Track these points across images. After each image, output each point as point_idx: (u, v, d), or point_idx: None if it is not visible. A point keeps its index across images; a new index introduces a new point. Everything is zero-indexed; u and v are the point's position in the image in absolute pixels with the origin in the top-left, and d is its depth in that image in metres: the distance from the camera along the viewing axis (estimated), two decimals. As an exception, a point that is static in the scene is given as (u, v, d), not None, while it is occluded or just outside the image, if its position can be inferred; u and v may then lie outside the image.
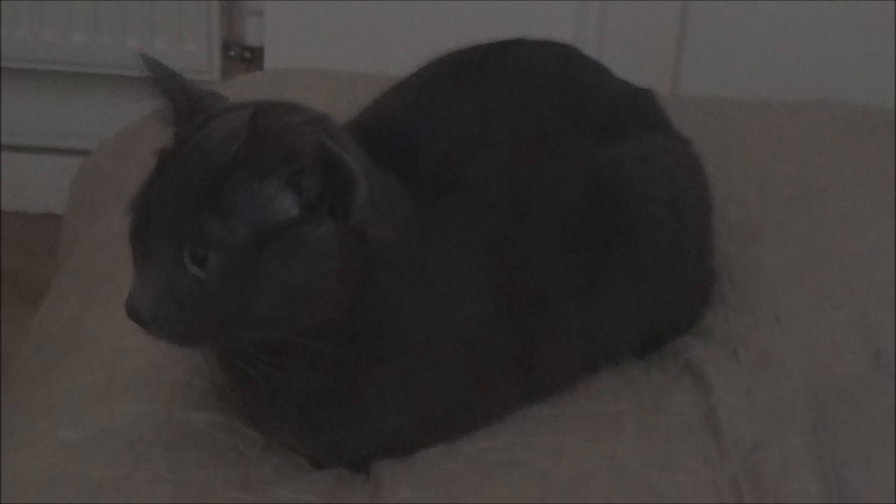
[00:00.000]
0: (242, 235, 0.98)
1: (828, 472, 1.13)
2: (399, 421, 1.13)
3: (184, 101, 1.05)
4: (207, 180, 0.99)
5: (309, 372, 1.07)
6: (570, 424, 1.19)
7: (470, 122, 1.21)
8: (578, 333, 1.22)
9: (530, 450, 1.15)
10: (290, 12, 2.18)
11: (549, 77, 1.28)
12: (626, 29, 2.10)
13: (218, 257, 0.98)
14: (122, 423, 1.15)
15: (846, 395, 1.21)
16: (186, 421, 1.15)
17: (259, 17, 2.28)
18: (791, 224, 1.45)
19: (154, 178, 1.03)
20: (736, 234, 1.43)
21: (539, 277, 1.19)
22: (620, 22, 2.10)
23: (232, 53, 2.32)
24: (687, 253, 1.29)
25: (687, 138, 1.34)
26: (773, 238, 1.43)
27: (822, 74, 2.05)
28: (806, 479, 1.12)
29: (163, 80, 1.05)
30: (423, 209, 1.12)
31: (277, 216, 0.99)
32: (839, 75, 2.03)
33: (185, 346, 1.05)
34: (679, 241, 1.27)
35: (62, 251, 1.60)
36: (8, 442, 1.17)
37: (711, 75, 2.10)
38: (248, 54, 2.32)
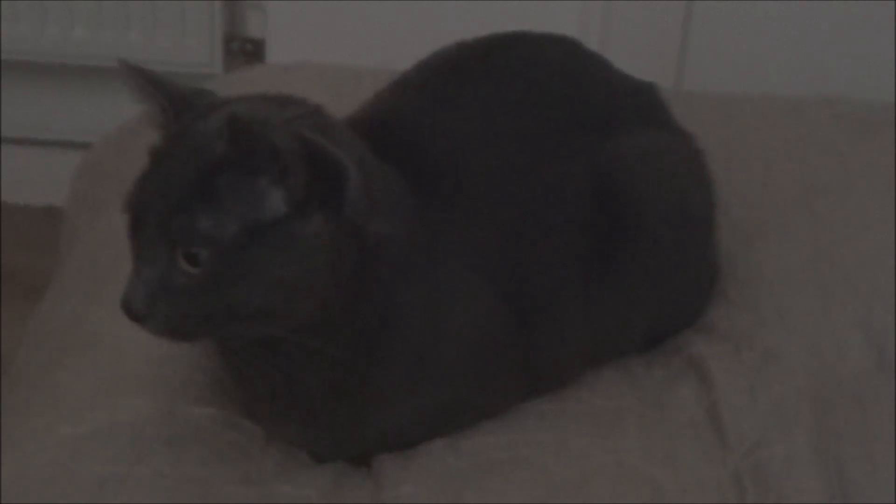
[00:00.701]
0: (232, 232, 0.99)
1: (830, 470, 1.13)
2: (401, 417, 1.13)
3: (168, 102, 1.05)
4: (197, 178, 1.00)
5: (310, 367, 1.07)
6: (572, 421, 1.19)
7: (472, 117, 1.21)
8: (581, 330, 1.22)
9: (533, 446, 1.16)
10: (291, 5, 2.17)
11: (551, 71, 1.27)
12: (630, 24, 2.09)
13: (209, 254, 0.99)
14: (124, 418, 1.15)
15: (849, 394, 1.22)
16: (188, 416, 1.16)
17: (261, 11, 2.27)
18: (795, 221, 1.45)
19: (145, 177, 1.04)
20: (739, 231, 1.42)
21: (542, 273, 1.19)
22: (624, 17, 2.09)
23: (233, 47, 2.32)
24: (690, 249, 1.28)
25: (690, 134, 1.33)
26: (776, 235, 1.43)
27: (826, 71, 2.04)
28: (808, 476, 1.12)
29: (145, 84, 1.05)
30: (425, 204, 1.12)
31: (267, 213, 1.00)
32: (843, 72, 2.03)
33: (179, 341, 1.05)
34: (682, 237, 1.26)
35: (63, 246, 1.59)
36: (10, 438, 1.17)
37: (715, 71, 2.10)
38: (249, 47, 2.32)
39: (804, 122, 1.67)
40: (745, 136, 1.63)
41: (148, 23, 2.25)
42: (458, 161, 1.17)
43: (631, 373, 1.26)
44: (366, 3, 2.13)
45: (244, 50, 2.32)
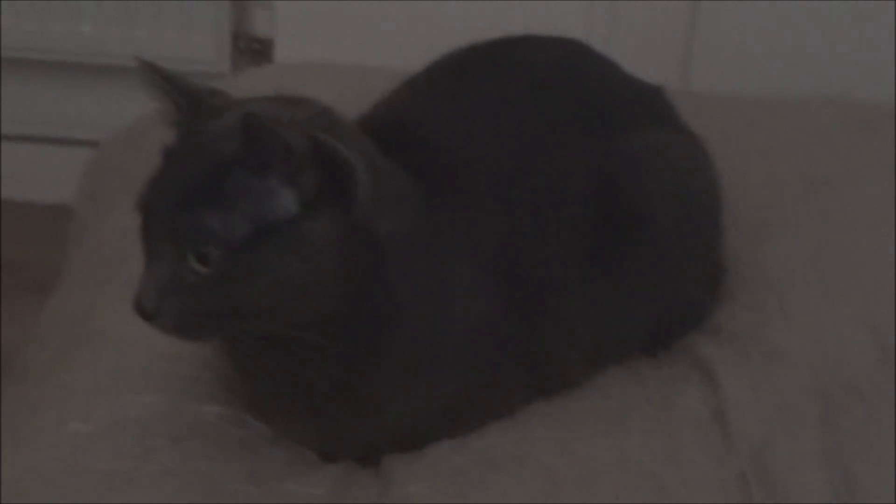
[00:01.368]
0: (243, 231, 0.99)
1: (836, 468, 1.13)
2: (408, 415, 1.14)
3: (183, 100, 1.06)
4: (208, 177, 1.00)
5: (317, 366, 1.08)
6: (578, 419, 1.19)
7: (480, 118, 1.21)
8: (586, 328, 1.22)
9: (538, 445, 1.16)
10: (300, 4, 2.18)
11: (559, 73, 1.28)
12: (636, 25, 2.10)
13: (219, 253, 0.99)
14: (132, 415, 1.15)
15: (854, 391, 1.22)
16: (196, 414, 1.16)
17: (269, 9, 2.28)
18: (799, 220, 1.45)
19: (158, 176, 1.04)
20: (744, 230, 1.42)
21: (547, 272, 1.19)
22: (630, 18, 2.09)
23: (241, 45, 2.32)
24: (695, 249, 1.28)
25: (696, 134, 1.34)
26: (781, 234, 1.43)
27: (831, 71, 2.04)
28: (814, 474, 1.12)
29: (161, 82, 1.05)
30: (433, 203, 1.12)
31: (277, 212, 1.00)
32: (848, 71, 2.03)
33: (189, 339, 1.06)
34: (688, 237, 1.26)
35: (71, 243, 1.60)
36: (17, 434, 1.17)
37: (721, 71, 2.10)
38: (257, 46, 2.32)
39: (809, 121, 1.67)
40: (750, 136, 1.63)
41: (155, 20, 2.25)
42: (466, 161, 1.18)
43: (636, 372, 1.26)
44: (373, 3, 2.13)
45: (252, 49, 2.32)
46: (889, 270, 1.36)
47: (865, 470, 1.13)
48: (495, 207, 1.17)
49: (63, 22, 2.28)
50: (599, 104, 1.27)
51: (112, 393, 1.18)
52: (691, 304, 1.31)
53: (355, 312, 1.06)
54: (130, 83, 1.08)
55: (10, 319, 2.04)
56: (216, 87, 1.11)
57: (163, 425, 1.14)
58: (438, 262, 1.11)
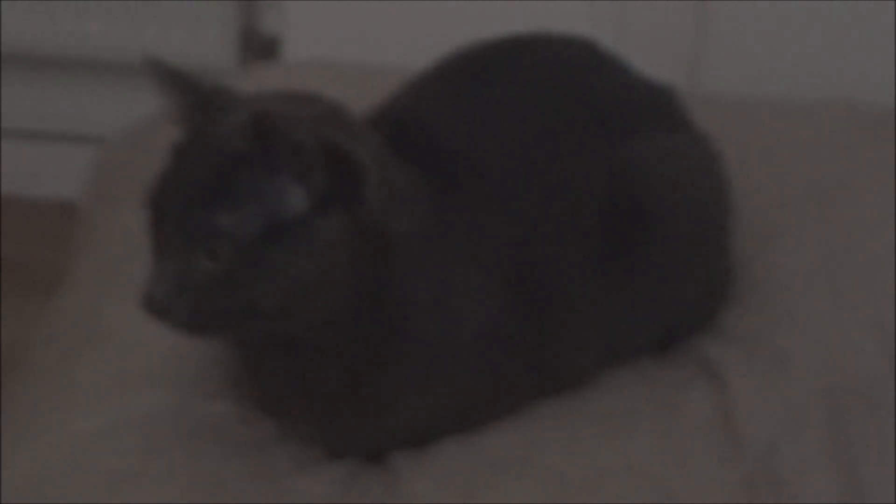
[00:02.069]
0: (253, 229, 0.99)
1: (843, 472, 1.13)
2: (415, 413, 1.14)
3: (192, 98, 1.06)
4: (218, 175, 1.01)
5: (326, 364, 1.08)
6: (584, 421, 1.19)
7: (489, 117, 1.21)
8: (594, 330, 1.22)
9: (545, 446, 1.16)
10: (308, 2, 2.18)
11: (568, 72, 1.27)
12: (644, 25, 2.09)
13: (229, 251, 0.99)
14: (138, 412, 1.15)
15: (862, 396, 1.21)
16: (202, 411, 1.16)
17: (277, 8, 2.28)
18: (808, 224, 1.45)
19: (167, 173, 1.04)
20: (753, 234, 1.42)
21: (556, 273, 1.19)
22: (638, 18, 2.09)
23: (250, 44, 2.32)
24: (704, 251, 1.28)
25: (706, 136, 1.33)
26: (790, 238, 1.42)
27: (841, 73, 2.04)
28: (821, 478, 1.12)
29: (169, 80, 1.05)
30: (442, 202, 1.12)
31: (287, 210, 1.00)
32: (859, 75, 2.02)
33: (197, 336, 1.06)
34: (697, 239, 1.26)
35: (78, 241, 1.60)
36: (22, 432, 1.17)
37: (731, 73, 2.10)
38: (265, 44, 2.32)
39: (819, 124, 1.67)
40: (759, 138, 1.63)
41: (163, 18, 2.25)
42: (475, 160, 1.18)
43: (644, 374, 1.26)
44: (382, 2, 2.13)
45: (259, 47, 2.32)
46: (898, 274, 1.36)
47: (873, 473, 1.13)
48: (505, 208, 1.17)
49: (70, 20, 2.28)
50: (610, 106, 1.26)
51: (118, 391, 1.18)
52: (699, 306, 1.31)
53: (364, 311, 1.06)
54: (138, 81, 1.08)
55: (11, 317, 2.04)
56: (224, 85, 1.11)
57: (169, 423, 1.14)
58: (448, 262, 1.11)
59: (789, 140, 1.63)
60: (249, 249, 0.99)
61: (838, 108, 1.70)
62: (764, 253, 1.40)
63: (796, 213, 1.47)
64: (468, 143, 1.18)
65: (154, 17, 2.26)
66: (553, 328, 1.18)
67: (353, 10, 2.13)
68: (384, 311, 1.07)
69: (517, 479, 1.12)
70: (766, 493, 1.11)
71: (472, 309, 1.13)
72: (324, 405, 1.11)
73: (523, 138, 1.20)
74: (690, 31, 2.11)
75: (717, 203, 1.30)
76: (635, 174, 1.22)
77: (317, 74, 1.63)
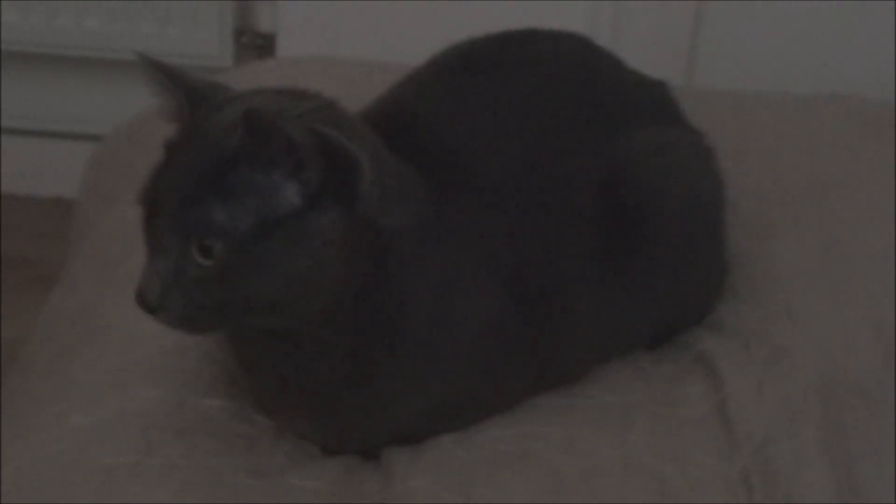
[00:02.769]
0: (247, 225, 0.99)
1: (839, 467, 1.13)
2: (411, 409, 1.14)
3: (185, 95, 1.05)
4: (211, 170, 1.00)
5: (321, 360, 1.08)
6: (581, 416, 1.19)
7: (484, 112, 1.21)
8: (591, 324, 1.22)
9: (541, 440, 1.16)
10: (303, 0, 2.18)
11: (563, 67, 1.28)
12: (641, 22, 2.10)
13: (223, 247, 0.99)
14: (135, 408, 1.15)
15: (858, 391, 1.21)
16: (199, 407, 1.16)
17: (272, 5, 2.28)
18: (805, 218, 1.45)
19: (160, 169, 1.04)
20: (749, 228, 1.42)
21: (552, 268, 1.19)
22: (634, 14, 2.09)
23: (244, 40, 2.32)
24: (700, 246, 1.29)
25: (701, 131, 1.34)
26: (786, 232, 1.43)
27: (836, 68, 2.04)
28: (817, 473, 1.12)
29: (162, 77, 1.05)
30: (437, 198, 1.12)
31: (281, 206, 1.00)
32: (854, 69, 2.03)
33: (192, 332, 1.06)
34: (692, 234, 1.27)
35: (75, 237, 1.60)
36: (20, 427, 1.17)
37: (726, 68, 2.10)
38: (260, 41, 2.32)
39: (814, 118, 1.67)
40: (755, 133, 1.63)
41: (159, 16, 2.26)
42: (470, 155, 1.18)
43: (640, 369, 1.26)
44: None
45: (255, 44, 2.32)
46: (895, 269, 1.36)
47: (869, 469, 1.13)
48: (501, 203, 1.17)
49: (68, 17, 2.28)
50: (605, 100, 1.27)
51: (115, 387, 1.18)
52: (695, 300, 1.31)
53: (360, 307, 1.06)
54: (134, 78, 1.08)
55: (10, 313, 2.04)
56: (218, 81, 1.11)
57: (166, 419, 1.14)
58: (444, 258, 1.11)
59: (785, 135, 1.63)
60: (243, 245, 0.99)
61: (833, 102, 1.71)
62: (761, 248, 1.40)
63: (794, 209, 1.48)
64: (462, 138, 1.18)
65: (151, 15, 2.26)
66: (549, 323, 1.18)
67: (348, 8, 2.14)
68: (380, 307, 1.07)
69: (514, 475, 1.12)
70: (761, 488, 1.11)
71: (469, 304, 1.13)
72: (319, 401, 1.11)
73: (518, 133, 1.20)
74: (687, 29, 2.11)
75: (712, 197, 1.31)
76: (630, 168, 1.23)
77: (311, 71, 1.63)
